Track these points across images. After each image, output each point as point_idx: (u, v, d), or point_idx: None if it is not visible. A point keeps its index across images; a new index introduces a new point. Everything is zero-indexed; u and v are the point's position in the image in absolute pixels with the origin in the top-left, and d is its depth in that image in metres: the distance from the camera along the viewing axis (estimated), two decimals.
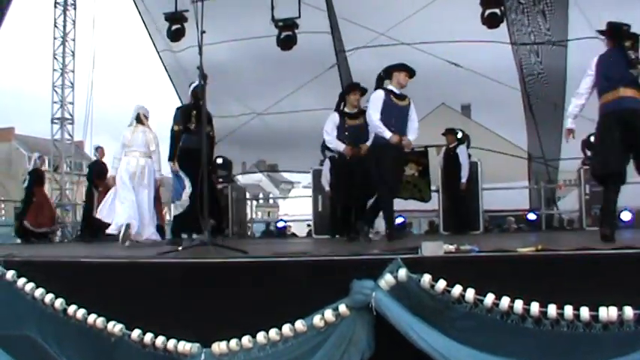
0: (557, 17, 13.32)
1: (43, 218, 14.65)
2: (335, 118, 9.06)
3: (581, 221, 12.50)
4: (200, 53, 7.09)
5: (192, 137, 8.56)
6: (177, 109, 9.29)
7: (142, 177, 9.29)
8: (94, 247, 9.72)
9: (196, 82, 8.60)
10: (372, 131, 8.25)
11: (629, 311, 4.34)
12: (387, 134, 7.96)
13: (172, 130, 9.03)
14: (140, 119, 9.63)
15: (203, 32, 7.18)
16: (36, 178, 14.72)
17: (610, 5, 11.97)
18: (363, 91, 9.12)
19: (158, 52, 16.10)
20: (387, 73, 8.45)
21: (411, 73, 8.42)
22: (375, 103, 8.16)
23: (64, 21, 18.23)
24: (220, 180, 14.51)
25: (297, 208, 12.67)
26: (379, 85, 8.41)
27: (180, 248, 6.74)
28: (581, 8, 12.53)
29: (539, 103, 14.19)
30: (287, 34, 13.89)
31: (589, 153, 12.54)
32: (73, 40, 18.39)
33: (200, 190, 7.00)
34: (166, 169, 9.49)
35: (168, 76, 16.50)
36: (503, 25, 12.93)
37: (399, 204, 9.81)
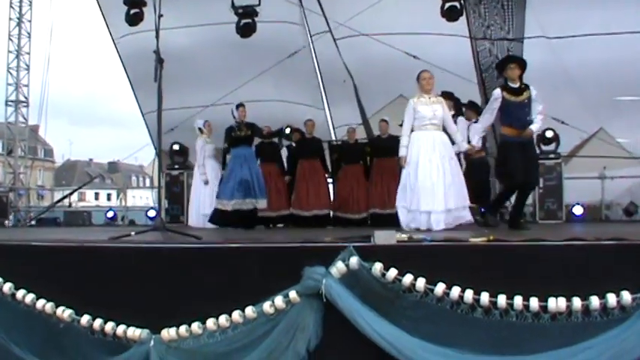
0: (514, 15, 13.43)
1: None
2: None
3: (534, 215, 12.65)
4: (157, 37, 7.03)
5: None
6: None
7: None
8: (45, 232, 9.59)
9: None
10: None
11: (577, 302, 4.40)
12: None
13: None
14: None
15: (160, 16, 7.13)
16: None
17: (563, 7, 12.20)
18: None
19: (113, 40, 15.88)
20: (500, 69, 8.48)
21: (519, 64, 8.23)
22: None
23: (21, 1, 17.93)
24: (176, 167, 14.46)
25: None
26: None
27: (133, 233, 6.67)
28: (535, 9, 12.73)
29: None
30: (246, 21, 13.80)
31: (544, 147, 12.77)
32: (30, 21, 18.10)
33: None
34: None
35: (123, 65, 16.29)
36: (463, 19, 12.98)
37: None
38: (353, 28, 13.93)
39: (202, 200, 11.85)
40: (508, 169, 8.01)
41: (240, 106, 10.77)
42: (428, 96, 8.43)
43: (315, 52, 15.48)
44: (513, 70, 8.05)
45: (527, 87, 8.06)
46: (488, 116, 8.26)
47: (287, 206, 12.16)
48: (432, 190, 8.01)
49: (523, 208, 8.74)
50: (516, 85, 8.06)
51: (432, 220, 7.95)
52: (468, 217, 8.22)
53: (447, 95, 10.21)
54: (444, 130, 8.53)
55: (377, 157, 11.95)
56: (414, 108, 8.37)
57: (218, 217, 10.53)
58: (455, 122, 9.62)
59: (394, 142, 10.73)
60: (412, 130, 8.41)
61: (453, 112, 10.06)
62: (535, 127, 8.05)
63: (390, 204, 11.24)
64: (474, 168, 10.34)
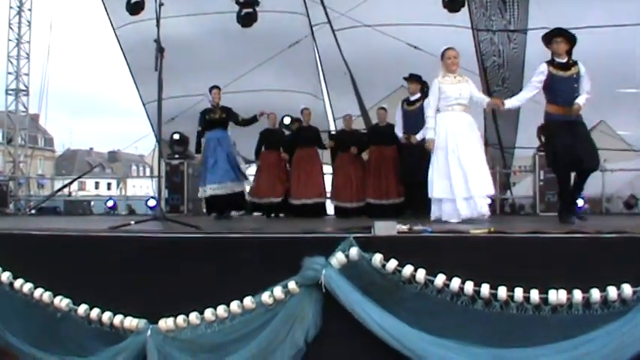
0: (518, 6, 13.39)
1: None
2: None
3: (534, 207, 12.62)
4: (158, 26, 6.99)
5: None
6: None
7: None
8: (45, 221, 9.57)
9: None
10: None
11: (577, 294, 4.39)
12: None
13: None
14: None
15: (161, 4, 7.09)
16: None
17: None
18: None
19: (114, 29, 15.83)
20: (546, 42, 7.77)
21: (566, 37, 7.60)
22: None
23: None
24: (176, 156, 14.41)
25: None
26: None
27: (132, 222, 6.64)
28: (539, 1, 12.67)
29: (498, 89, 14.28)
30: (247, 11, 13.76)
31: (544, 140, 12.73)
32: (30, 9, 18.05)
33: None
34: None
35: (123, 54, 16.23)
36: (465, 10, 12.93)
37: None
38: (354, 18, 13.88)
39: None
40: (553, 150, 7.52)
41: (213, 88, 10.60)
42: (453, 75, 7.99)
43: (316, 43, 15.43)
44: (559, 45, 7.50)
45: (575, 62, 7.54)
46: (527, 91, 7.72)
47: (282, 194, 12.09)
48: (462, 177, 7.58)
49: (576, 196, 7.91)
50: (564, 59, 7.53)
51: (464, 208, 7.53)
52: (485, 209, 7.64)
53: (415, 78, 10.16)
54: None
55: (374, 144, 11.71)
56: (440, 87, 7.92)
57: (210, 204, 10.54)
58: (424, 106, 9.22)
59: (392, 130, 10.77)
60: (438, 111, 7.96)
61: (420, 95, 10.01)
62: (581, 101, 7.34)
63: (388, 195, 11.32)
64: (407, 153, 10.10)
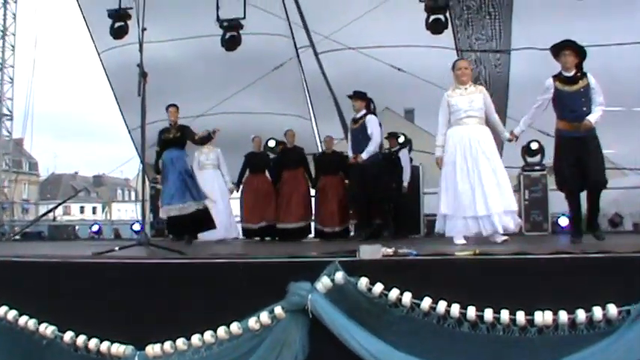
0: (501, 26, 13.50)
1: None
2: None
3: (519, 227, 12.65)
4: (140, 50, 7.01)
5: None
6: None
7: None
8: (31, 247, 9.52)
9: None
10: None
11: (563, 315, 4.39)
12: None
13: None
14: None
15: (144, 29, 7.11)
16: None
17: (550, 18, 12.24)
18: None
19: (98, 53, 15.85)
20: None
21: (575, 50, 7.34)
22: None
23: (4, 15, 17.90)
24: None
25: (237, 209, 12.49)
26: None
27: (117, 248, 6.62)
28: (522, 21, 12.78)
29: None
30: (232, 34, 13.78)
31: (529, 159, 12.80)
32: (14, 34, 18.05)
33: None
34: None
35: (107, 78, 16.25)
36: (448, 32, 13.01)
37: None
38: (338, 41, 13.97)
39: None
40: (556, 169, 7.31)
41: (170, 106, 10.23)
42: (464, 87, 7.59)
43: (301, 65, 15.49)
44: (567, 57, 7.22)
45: (584, 75, 7.25)
46: (536, 109, 7.46)
47: (272, 217, 12.04)
48: (470, 194, 7.25)
49: (595, 216, 7.51)
50: (570, 73, 7.25)
51: (470, 226, 7.27)
52: (510, 225, 7.33)
53: (359, 96, 10.00)
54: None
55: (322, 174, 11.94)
56: (448, 101, 7.58)
57: (169, 226, 10.31)
58: (366, 122, 9.35)
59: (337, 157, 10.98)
60: (450, 126, 7.61)
61: (364, 112, 9.83)
62: (593, 118, 7.06)
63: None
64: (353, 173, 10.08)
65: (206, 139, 10.12)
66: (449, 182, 7.47)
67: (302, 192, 12.06)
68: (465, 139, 7.41)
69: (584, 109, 7.12)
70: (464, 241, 7.22)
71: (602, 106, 7.19)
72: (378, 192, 9.68)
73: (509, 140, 7.84)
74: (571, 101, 7.19)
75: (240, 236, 12.22)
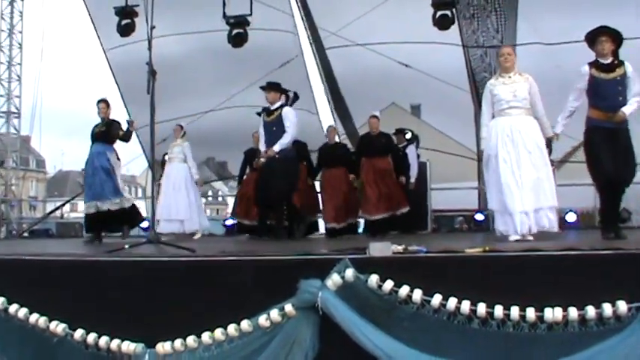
0: (506, 21, 13.47)
1: None
2: None
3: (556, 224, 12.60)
4: (149, 49, 7.01)
5: None
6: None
7: None
8: (39, 244, 9.56)
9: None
10: None
11: (573, 312, 4.39)
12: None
13: None
14: None
15: (153, 27, 7.11)
16: None
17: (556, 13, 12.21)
18: None
19: (104, 51, 15.85)
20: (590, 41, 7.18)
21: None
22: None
23: (12, 12, 17.87)
24: None
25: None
26: None
27: (126, 246, 6.64)
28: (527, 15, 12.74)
29: None
30: (238, 31, 13.79)
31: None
32: (21, 32, 18.04)
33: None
34: None
35: (113, 75, 16.25)
36: (455, 27, 13.01)
37: None
38: (345, 37, 13.96)
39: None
40: (592, 159, 6.97)
41: (100, 102, 10.10)
42: (508, 75, 7.30)
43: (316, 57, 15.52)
44: (604, 44, 6.96)
45: (621, 63, 6.97)
46: (572, 98, 7.18)
47: None
48: (514, 188, 6.99)
49: (615, 212, 7.30)
50: (607, 60, 6.98)
51: (516, 223, 6.97)
52: (551, 222, 7.19)
53: (273, 87, 9.73)
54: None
55: (366, 156, 11.31)
56: (491, 91, 7.30)
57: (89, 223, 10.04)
58: (282, 115, 9.12)
59: (386, 139, 10.76)
60: (493, 117, 7.36)
61: (280, 104, 9.48)
62: (628, 110, 6.79)
63: (398, 206, 11.13)
64: None
65: (129, 134, 9.98)
66: (492, 176, 7.25)
67: (304, 186, 11.38)
68: (507, 130, 7.15)
69: (620, 98, 6.87)
70: (517, 237, 6.98)
71: (638, 97, 6.92)
72: (281, 188, 9.27)
73: (551, 139, 7.55)
74: (606, 90, 6.93)
75: (201, 231, 12.24)
